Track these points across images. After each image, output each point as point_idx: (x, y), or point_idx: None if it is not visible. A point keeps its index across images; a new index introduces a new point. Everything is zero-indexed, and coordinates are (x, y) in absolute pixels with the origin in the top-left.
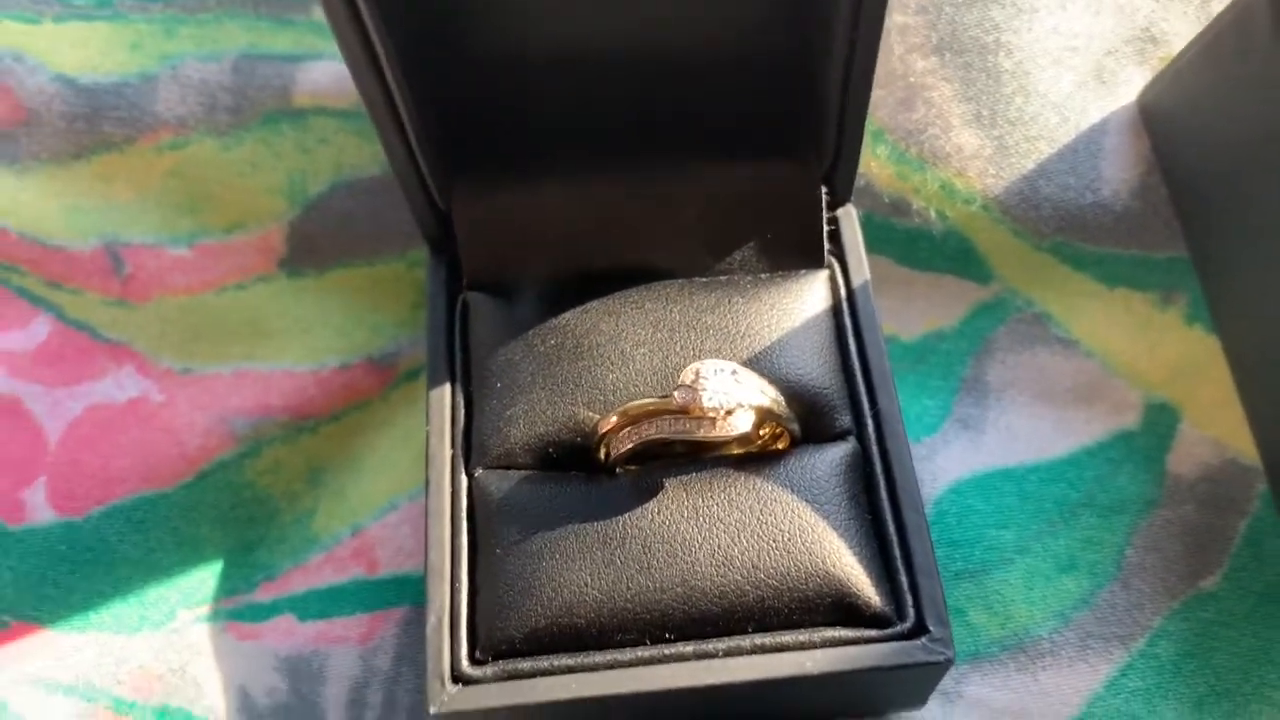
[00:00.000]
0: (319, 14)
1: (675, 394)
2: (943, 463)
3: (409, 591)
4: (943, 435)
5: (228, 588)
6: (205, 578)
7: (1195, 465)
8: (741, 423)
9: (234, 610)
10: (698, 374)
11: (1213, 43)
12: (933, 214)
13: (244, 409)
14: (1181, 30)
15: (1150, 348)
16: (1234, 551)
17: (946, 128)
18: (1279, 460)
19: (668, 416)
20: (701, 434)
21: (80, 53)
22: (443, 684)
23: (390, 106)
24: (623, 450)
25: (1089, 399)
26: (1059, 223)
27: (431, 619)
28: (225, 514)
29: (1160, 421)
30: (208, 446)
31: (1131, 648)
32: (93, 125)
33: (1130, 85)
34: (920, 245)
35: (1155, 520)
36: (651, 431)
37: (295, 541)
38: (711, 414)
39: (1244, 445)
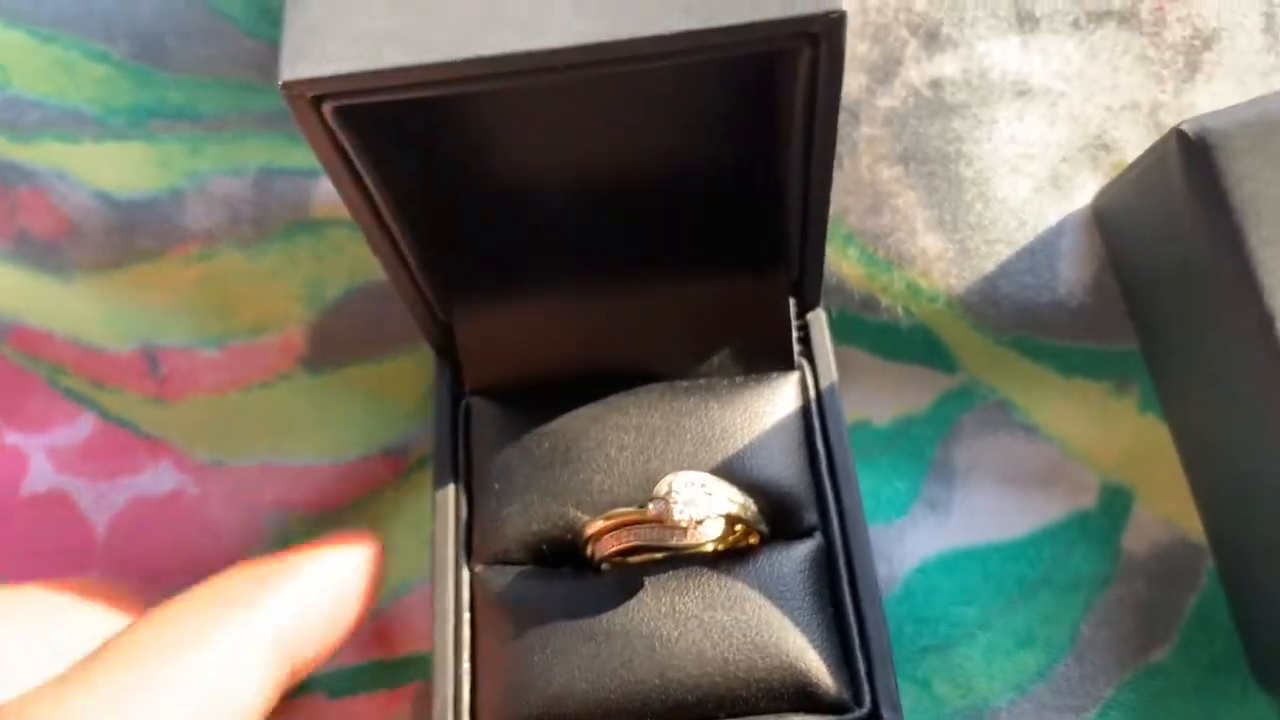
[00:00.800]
0: None
1: (650, 505)
2: (911, 544)
3: (421, 669)
4: (912, 517)
5: None
6: None
7: (1147, 544)
8: (711, 530)
9: None
10: (670, 487)
11: (1148, 169)
12: (900, 311)
13: (271, 503)
14: (1131, 137)
15: (1105, 434)
16: (1183, 626)
17: (912, 232)
18: (1224, 539)
19: (645, 525)
20: (674, 541)
21: (116, 171)
22: None
23: (389, 236)
24: (607, 552)
25: (1048, 482)
26: (1018, 318)
27: (437, 705)
28: None
29: (1115, 503)
30: (242, 540)
31: (1084, 718)
32: (128, 238)
33: (1084, 190)
34: (889, 338)
35: (1109, 596)
36: (631, 539)
37: None
38: (684, 524)
39: (1193, 525)
